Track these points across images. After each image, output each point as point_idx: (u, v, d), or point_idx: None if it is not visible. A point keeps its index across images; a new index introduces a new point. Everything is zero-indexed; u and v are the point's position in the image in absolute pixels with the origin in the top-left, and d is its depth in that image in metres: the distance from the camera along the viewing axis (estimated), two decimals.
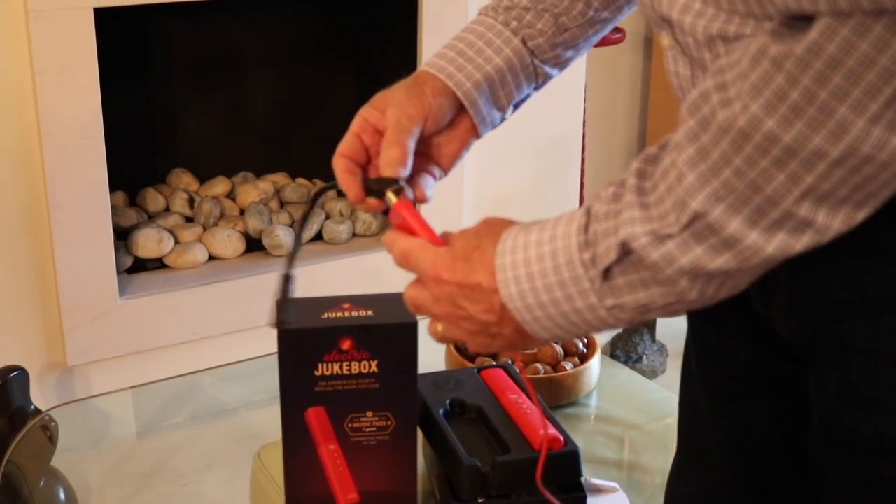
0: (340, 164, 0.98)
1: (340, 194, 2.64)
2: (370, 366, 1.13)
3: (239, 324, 2.32)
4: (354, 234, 2.54)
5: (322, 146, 2.91)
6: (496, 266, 0.78)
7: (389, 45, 2.56)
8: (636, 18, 2.98)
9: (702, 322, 1.01)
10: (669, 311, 0.75)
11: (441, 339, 0.86)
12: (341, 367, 1.13)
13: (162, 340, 2.26)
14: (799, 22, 0.63)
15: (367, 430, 1.16)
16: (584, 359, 1.61)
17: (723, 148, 0.66)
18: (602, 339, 2.37)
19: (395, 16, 2.51)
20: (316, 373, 1.12)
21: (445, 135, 1.01)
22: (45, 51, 1.97)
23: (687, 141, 0.69)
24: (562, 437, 1.17)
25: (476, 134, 1.02)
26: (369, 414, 1.15)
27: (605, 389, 1.65)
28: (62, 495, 1.61)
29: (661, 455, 1.49)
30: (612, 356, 2.65)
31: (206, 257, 2.40)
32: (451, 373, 1.36)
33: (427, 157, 1.01)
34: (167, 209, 2.53)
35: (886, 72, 0.60)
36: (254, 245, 2.46)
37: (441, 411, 1.24)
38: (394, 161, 0.95)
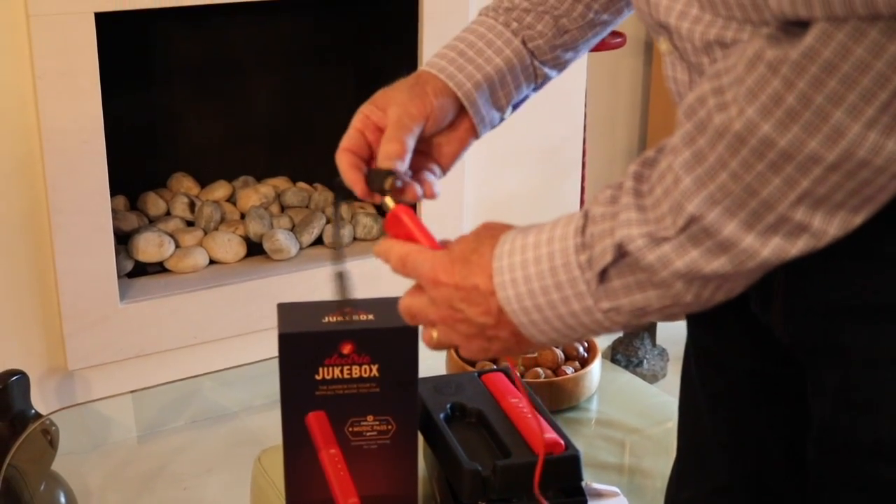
0: (345, 159, 0.97)
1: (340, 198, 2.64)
2: (371, 370, 1.13)
3: (239, 328, 2.32)
4: (355, 239, 2.54)
5: (323, 150, 2.90)
6: (494, 269, 0.78)
7: (390, 51, 2.57)
8: (636, 23, 2.98)
9: (701, 327, 1.01)
10: (666, 315, 0.75)
11: (436, 345, 0.86)
12: (342, 371, 1.13)
13: (162, 344, 2.26)
14: (795, 27, 0.63)
15: (368, 434, 1.16)
16: (584, 363, 1.61)
17: (719, 152, 0.66)
18: (603, 343, 2.37)
19: (395, 21, 2.51)
20: (317, 377, 1.12)
21: (445, 135, 1.01)
22: (46, 55, 1.97)
23: (683, 144, 0.69)
24: (562, 442, 1.17)
25: (475, 134, 1.03)
26: (370, 418, 1.15)
27: (606, 394, 1.65)
28: (63, 499, 1.61)
29: (661, 459, 1.49)
30: (613, 360, 2.65)
31: (207, 261, 2.40)
32: (452, 377, 1.36)
33: (427, 156, 1.01)
34: (168, 213, 2.53)
35: (882, 76, 0.60)
36: (254, 249, 2.46)
37: (442, 415, 1.24)
38: (392, 154, 0.95)
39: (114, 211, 2.22)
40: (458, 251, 0.82)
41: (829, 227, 0.66)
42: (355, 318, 1.13)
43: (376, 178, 0.95)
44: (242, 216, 2.55)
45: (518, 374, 1.33)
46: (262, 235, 2.45)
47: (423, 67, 1.01)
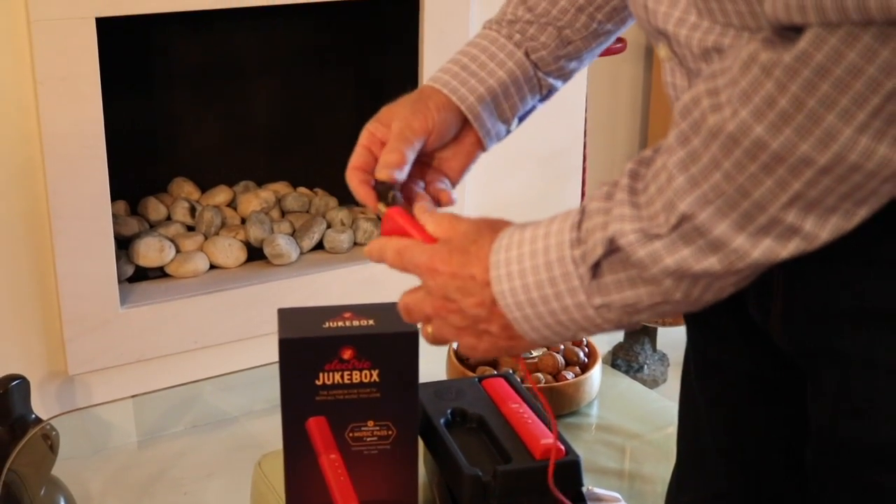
0: (356, 177, 0.99)
1: (342, 203, 2.64)
2: (371, 375, 1.13)
3: (240, 333, 2.32)
4: (355, 244, 2.54)
5: (323, 156, 2.91)
6: (491, 262, 0.79)
7: (391, 55, 2.57)
8: (637, 29, 2.98)
9: (700, 332, 1.01)
10: (657, 313, 0.75)
11: (432, 340, 0.87)
12: (342, 377, 1.13)
13: (163, 349, 2.26)
14: (790, 32, 0.63)
15: (368, 439, 1.16)
16: (585, 368, 1.61)
17: (712, 152, 0.67)
18: (603, 348, 2.37)
19: (396, 26, 2.51)
20: (317, 382, 1.13)
21: (451, 148, 1.02)
22: (47, 60, 1.97)
23: (678, 144, 0.69)
24: (563, 447, 1.17)
25: (482, 147, 1.03)
26: (370, 423, 1.15)
27: (607, 399, 1.65)
28: None
29: (662, 464, 1.49)
30: (613, 365, 2.65)
31: (207, 266, 2.40)
32: (453, 382, 1.37)
33: (435, 170, 1.02)
34: (168, 218, 2.53)
35: (874, 81, 0.60)
36: (255, 254, 2.46)
37: (442, 420, 1.24)
38: (391, 164, 0.96)
39: (114, 216, 2.23)
40: (457, 242, 0.82)
41: (821, 230, 0.66)
42: (355, 322, 1.13)
43: (382, 192, 0.97)
44: (243, 221, 2.55)
45: (520, 378, 1.34)
46: (262, 240, 2.46)
47: (427, 82, 1.02)
